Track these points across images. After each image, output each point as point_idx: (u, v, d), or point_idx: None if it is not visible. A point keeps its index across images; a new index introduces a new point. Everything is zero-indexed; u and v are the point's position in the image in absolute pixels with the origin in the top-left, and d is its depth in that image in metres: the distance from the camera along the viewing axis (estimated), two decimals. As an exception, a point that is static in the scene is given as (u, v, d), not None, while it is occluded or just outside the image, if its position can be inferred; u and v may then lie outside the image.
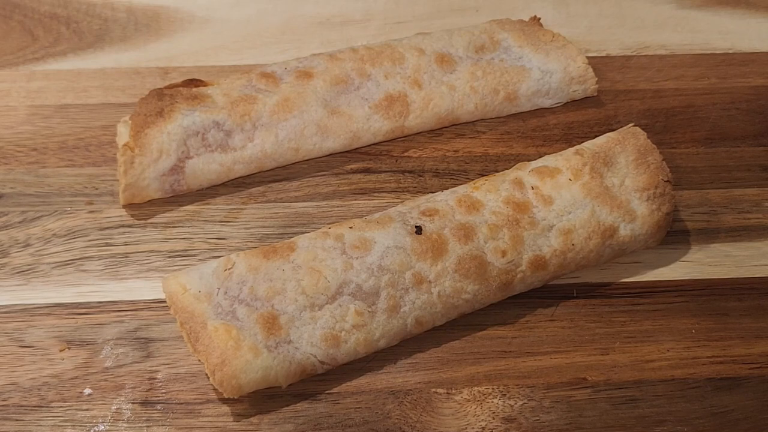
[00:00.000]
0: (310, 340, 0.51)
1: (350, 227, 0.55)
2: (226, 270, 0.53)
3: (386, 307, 0.53)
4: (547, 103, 0.70)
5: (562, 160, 0.59)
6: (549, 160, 0.60)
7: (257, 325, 0.51)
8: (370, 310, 0.53)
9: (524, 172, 0.59)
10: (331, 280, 0.53)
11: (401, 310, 0.53)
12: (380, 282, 0.53)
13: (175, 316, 0.52)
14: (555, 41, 0.70)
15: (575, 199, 0.57)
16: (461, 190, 0.58)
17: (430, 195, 0.59)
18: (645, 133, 0.60)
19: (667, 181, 0.58)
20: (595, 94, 0.70)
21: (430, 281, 0.54)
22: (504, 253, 0.55)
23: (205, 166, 0.62)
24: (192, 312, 0.51)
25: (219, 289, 0.52)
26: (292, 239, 0.56)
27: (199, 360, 0.51)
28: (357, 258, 0.53)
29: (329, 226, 0.56)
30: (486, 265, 0.54)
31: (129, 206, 0.62)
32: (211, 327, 0.50)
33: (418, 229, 0.55)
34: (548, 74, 0.69)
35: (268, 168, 0.64)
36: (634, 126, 0.61)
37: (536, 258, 0.55)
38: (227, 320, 0.51)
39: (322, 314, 0.52)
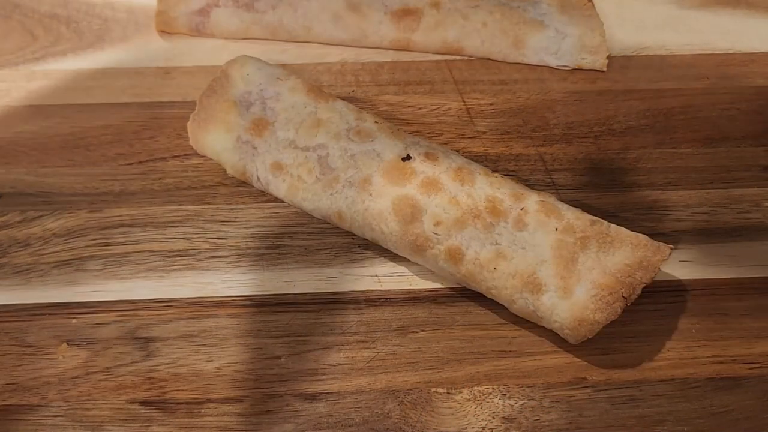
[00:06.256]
0: (264, 159, 0.61)
1: (375, 121, 0.62)
2: (278, 79, 0.64)
3: (327, 183, 0.59)
4: (553, 62, 0.72)
5: (572, 213, 0.56)
6: (563, 205, 0.57)
7: (250, 123, 0.62)
8: (317, 176, 0.59)
9: (534, 197, 0.57)
10: (319, 137, 0.60)
11: (334, 194, 0.59)
12: (344, 167, 0.59)
13: (217, 72, 0.64)
14: (584, 9, 0.72)
15: (540, 245, 0.54)
16: (474, 167, 0.59)
17: (451, 151, 0.61)
18: (667, 257, 0.54)
19: (624, 297, 0.53)
20: (604, 69, 0.72)
21: (371, 194, 0.57)
22: (438, 224, 0.56)
23: (228, 19, 0.72)
24: (230, 84, 0.64)
25: (261, 83, 0.64)
26: (333, 97, 0.64)
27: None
28: (352, 140, 0.60)
29: (366, 111, 0.64)
30: (416, 218, 0.56)
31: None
32: (225, 102, 0.63)
33: (407, 158, 0.58)
34: (562, 36, 0.71)
35: (280, 38, 0.73)
36: (670, 247, 0.55)
37: (456, 250, 0.55)
38: (241, 106, 0.63)
39: (291, 152, 0.61)
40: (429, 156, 0.59)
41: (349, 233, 0.60)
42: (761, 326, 0.56)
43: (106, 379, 0.53)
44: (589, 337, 0.53)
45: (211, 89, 0.64)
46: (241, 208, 0.62)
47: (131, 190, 0.63)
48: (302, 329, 0.56)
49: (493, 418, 0.52)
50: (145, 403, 0.52)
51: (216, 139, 0.63)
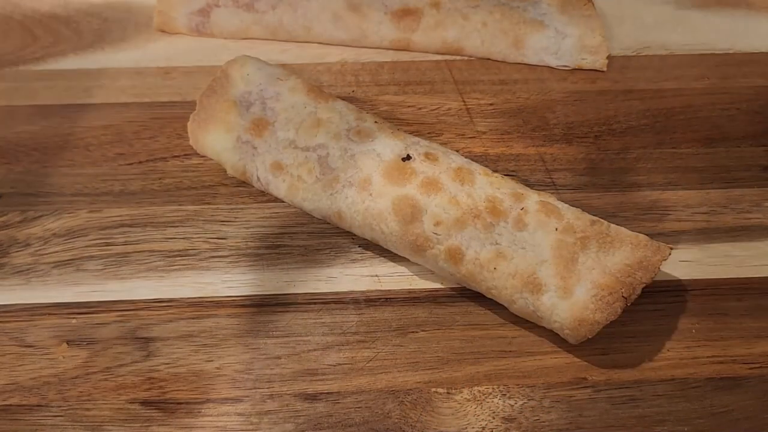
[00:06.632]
0: (264, 159, 0.61)
1: (375, 121, 0.62)
2: (278, 79, 0.64)
3: (327, 183, 0.59)
4: (554, 62, 0.72)
5: (572, 213, 0.56)
6: (563, 205, 0.57)
7: (250, 123, 0.62)
8: (317, 176, 0.59)
9: (534, 197, 0.57)
10: (319, 137, 0.60)
11: (334, 194, 0.58)
12: (344, 167, 0.59)
13: (217, 72, 0.65)
14: (584, 9, 0.73)
15: (540, 245, 0.54)
16: (474, 167, 0.59)
17: (451, 151, 0.61)
18: (667, 257, 0.54)
19: (624, 297, 0.52)
20: (604, 69, 0.72)
21: (371, 194, 0.57)
22: (438, 224, 0.55)
23: (228, 19, 0.73)
24: (230, 84, 0.64)
25: (261, 83, 0.64)
26: (333, 97, 0.64)
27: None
28: (352, 140, 0.60)
29: (366, 111, 0.64)
30: (417, 218, 0.56)
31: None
32: (225, 102, 0.63)
33: (407, 158, 0.58)
34: (562, 36, 0.71)
35: (280, 38, 0.73)
36: (669, 247, 0.55)
37: (456, 250, 0.55)
38: (241, 106, 0.63)
39: (291, 152, 0.61)
40: (429, 156, 0.59)
41: (349, 233, 0.60)
42: (761, 326, 0.56)
43: (106, 379, 0.53)
44: (589, 337, 0.53)
45: (211, 89, 0.64)
46: (241, 208, 0.62)
47: (131, 190, 0.63)
48: (302, 329, 0.56)
49: (493, 418, 0.52)
50: (145, 403, 0.52)
51: (216, 139, 0.63)
